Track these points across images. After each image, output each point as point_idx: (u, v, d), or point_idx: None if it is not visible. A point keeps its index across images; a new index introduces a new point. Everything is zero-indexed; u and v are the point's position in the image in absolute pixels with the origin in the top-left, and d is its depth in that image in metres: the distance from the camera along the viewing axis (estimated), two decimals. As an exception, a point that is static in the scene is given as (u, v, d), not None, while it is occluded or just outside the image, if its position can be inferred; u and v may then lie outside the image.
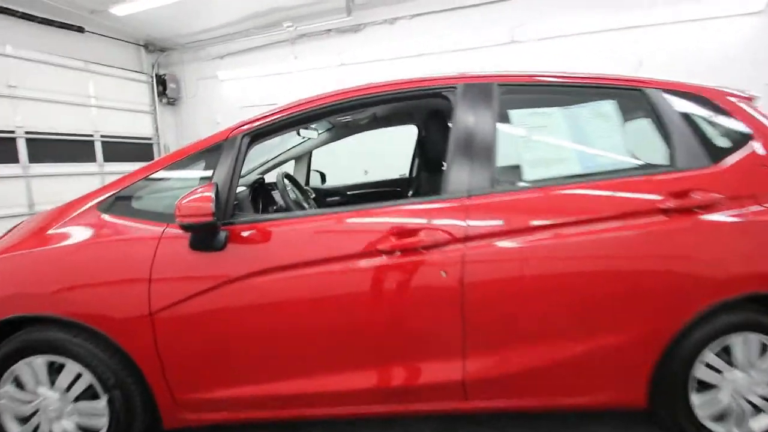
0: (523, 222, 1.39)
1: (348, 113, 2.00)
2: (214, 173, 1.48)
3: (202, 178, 1.52)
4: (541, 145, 1.52)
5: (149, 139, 6.51)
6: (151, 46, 6.47)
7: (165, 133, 6.64)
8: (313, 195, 2.84)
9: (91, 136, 5.70)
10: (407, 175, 3.06)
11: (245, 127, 1.55)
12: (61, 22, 5.36)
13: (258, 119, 1.56)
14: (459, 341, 1.40)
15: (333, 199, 2.99)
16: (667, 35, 4.44)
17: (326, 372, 1.44)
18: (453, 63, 5.14)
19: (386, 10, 5.39)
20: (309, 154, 3.02)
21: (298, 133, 2.44)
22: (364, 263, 1.38)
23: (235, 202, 1.58)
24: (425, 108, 2.35)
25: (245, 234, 1.43)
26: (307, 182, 3.06)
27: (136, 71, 6.36)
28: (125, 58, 6.26)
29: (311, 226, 1.45)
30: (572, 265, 1.39)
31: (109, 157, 5.85)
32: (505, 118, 1.52)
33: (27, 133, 4.93)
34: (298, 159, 2.97)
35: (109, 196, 1.56)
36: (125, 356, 1.43)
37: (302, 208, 2.03)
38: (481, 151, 1.46)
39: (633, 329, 1.40)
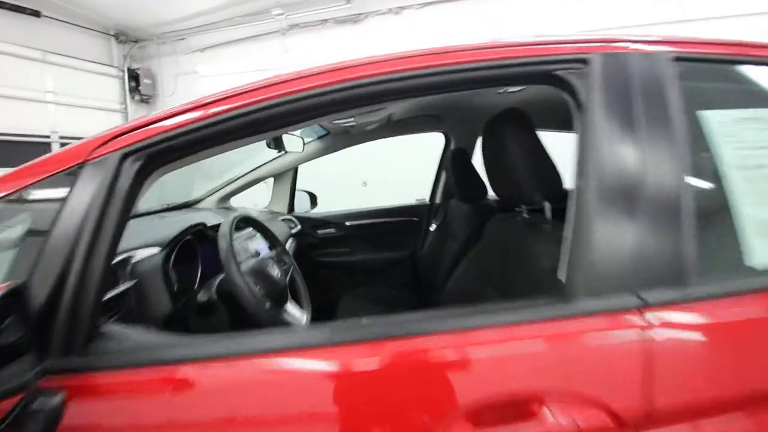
0: None
1: (351, 111, 1.10)
2: (43, 247, 0.61)
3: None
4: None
5: (119, 141, 5.74)
6: (123, 37, 5.72)
7: (137, 135, 5.86)
8: (298, 228, 2.02)
9: (48, 137, 4.91)
10: (427, 200, 2.27)
11: (132, 134, 0.69)
12: (12, 4, 4.59)
13: (159, 119, 0.71)
14: None
15: (326, 232, 2.17)
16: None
17: None
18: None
19: (392, -3, 4.63)
20: (294, 170, 2.19)
21: (269, 146, 1.55)
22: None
23: (120, 290, 0.77)
24: (467, 107, 1.55)
25: (114, 395, 0.59)
26: (291, 208, 2.23)
27: (104, 64, 5.60)
28: (92, 50, 5.50)
29: (280, 380, 0.59)
30: None
31: (69, 162, 5.07)
32: (694, 128, 0.71)
33: (-33, 134, 4.16)
34: (278, 176, 2.15)
35: None
36: None
37: (271, 283, 1.12)
38: (656, 198, 0.65)
39: None
